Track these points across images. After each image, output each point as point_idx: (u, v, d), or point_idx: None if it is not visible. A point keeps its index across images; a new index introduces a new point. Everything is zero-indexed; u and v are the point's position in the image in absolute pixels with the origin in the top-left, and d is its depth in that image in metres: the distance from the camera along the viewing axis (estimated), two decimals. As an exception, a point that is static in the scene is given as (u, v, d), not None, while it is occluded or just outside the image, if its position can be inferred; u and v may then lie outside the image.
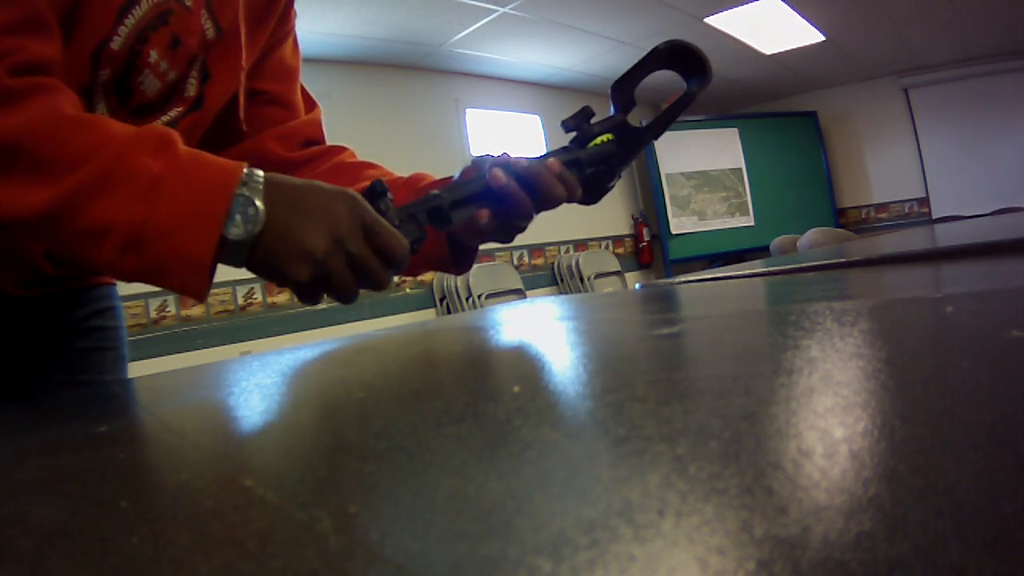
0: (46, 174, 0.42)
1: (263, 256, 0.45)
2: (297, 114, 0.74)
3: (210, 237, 0.43)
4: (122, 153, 0.43)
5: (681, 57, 0.65)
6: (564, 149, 0.61)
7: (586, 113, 0.62)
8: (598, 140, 0.62)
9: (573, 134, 0.63)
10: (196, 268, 0.43)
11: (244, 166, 0.45)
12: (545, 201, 0.57)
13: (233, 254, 0.44)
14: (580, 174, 0.60)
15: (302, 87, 0.77)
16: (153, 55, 0.54)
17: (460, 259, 0.64)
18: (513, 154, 0.60)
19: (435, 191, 0.55)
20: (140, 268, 0.43)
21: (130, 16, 0.51)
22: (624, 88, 0.63)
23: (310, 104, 0.77)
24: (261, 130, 0.70)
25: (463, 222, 0.56)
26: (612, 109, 0.63)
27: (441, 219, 0.54)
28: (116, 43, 0.51)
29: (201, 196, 0.43)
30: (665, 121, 0.65)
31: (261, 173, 0.45)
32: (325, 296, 0.49)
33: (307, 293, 0.47)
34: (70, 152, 0.42)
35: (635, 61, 0.63)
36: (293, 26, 0.74)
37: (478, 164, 0.59)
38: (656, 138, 0.65)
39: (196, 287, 0.44)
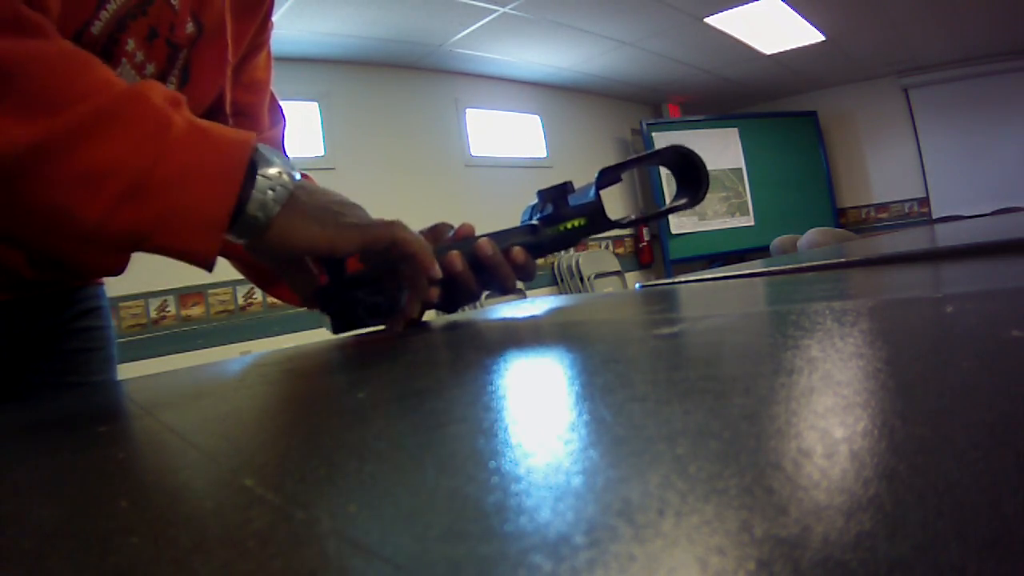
0: (40, 106, 0.36)
1: (282, 227, 0.42)
2: (260, 129, 0.73)
3: (230, 189, 0.39)
4: (133, 93, 0.38)
5: (682, 165, 0.64)
6: (532, 228, 0.61)
7: (565, 189, 0.61)
8: (569, 224, 0.60)
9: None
10: (209, 225, 0.39)
11: (255, 135, 0.43)
12: (495, 288, 0.57)
13: (249, 219, 0.41)
14: (539, 253, 0.60)
15: (274, 99, 0.76)
16: (131, 44, 0.53)
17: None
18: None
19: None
20: (138, 222, 0.38)
21: (112, 1, 0.50)
22: (613, 174, 0.62)
23: (276, 119, 0.76)
24: None
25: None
26: (592, 192, 0.60)
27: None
28: (96, 27, 0.50)
29: (221, 146, 0.39)
30: (642, 221, 0.66)
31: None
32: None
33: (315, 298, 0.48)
34: (73, 86, 0.37)
35: (637, 154, 0.63)
36: (269, 37, 0.73)
37: (441, 232, 0.60)
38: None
39: (206, 247, 0.40)
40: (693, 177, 0.63)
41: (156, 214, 0.38)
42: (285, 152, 0.75)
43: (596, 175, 0.60)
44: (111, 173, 0.37)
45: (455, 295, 0.57)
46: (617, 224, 0.63)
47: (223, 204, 0.40)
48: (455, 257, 0.55)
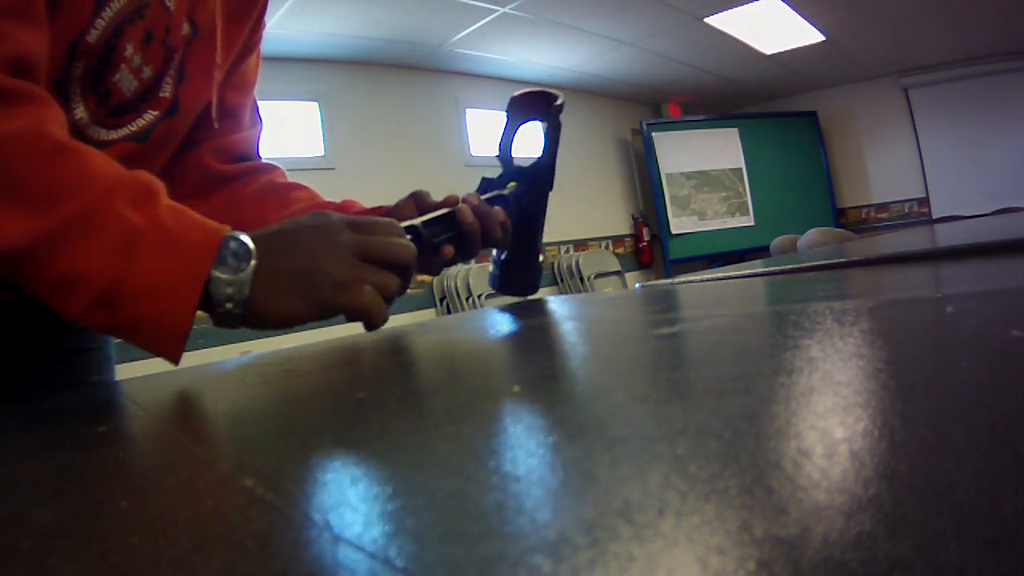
0: (26, 205, 0.40)
1: (260, 301, 0.44)
2: (242, 129, 0.75)
3: (190, 299, 0.42)
4: (104, 197, 0.41)
5: (530, 104, 0.73)
6: (496, 192, 0.67)
7: (486, 179, 0.69)
8: (509, 186, 0.68)
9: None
10: (173, 331, 0.42)
11: (227, 228, 0.45)
12: (486, 240, 0.61)
13: (225, 308, 0.44)
14: (514, 215, 0.66)
15: (254, 101, 0.78)
16: (129, 49, 0.53)
17: None
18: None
19: (413, 221, 0.57)
20: (112, 324, 0.42)
21: (108, 8, 0.50)
22: (506, 154, 0.71)
23: (254, 120, 0.78)
24: (206, 140, 0.71)
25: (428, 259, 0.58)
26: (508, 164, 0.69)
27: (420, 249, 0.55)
28: (92, 36, 0.50)
29: (182, 257, 0.42)
30: (549, 151, 0.70)
31: (245, 236, 0.45)
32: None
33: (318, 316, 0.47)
34: (53, 184, 0.40)
35: (504, 124, 0.72)
36: (260, 39, 0.74)
37: (421, 197, 0.62)
38: (551, 168, 0.70)
39: (172, 350, 0.43)
40: (543, 100, 0.72)
41: (125, 320, 0.41)
42: (259, 155, 0.77)
43: (499, 159, 0.70)
44: (81, 283, 0.40)
45: (465, 248, 0.61)
46: (535, 170, 0.69)
47: (183, 317, 0.42)
48: (465, 210, 0.59)
